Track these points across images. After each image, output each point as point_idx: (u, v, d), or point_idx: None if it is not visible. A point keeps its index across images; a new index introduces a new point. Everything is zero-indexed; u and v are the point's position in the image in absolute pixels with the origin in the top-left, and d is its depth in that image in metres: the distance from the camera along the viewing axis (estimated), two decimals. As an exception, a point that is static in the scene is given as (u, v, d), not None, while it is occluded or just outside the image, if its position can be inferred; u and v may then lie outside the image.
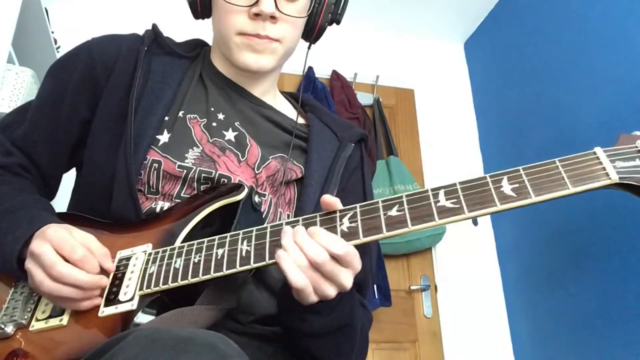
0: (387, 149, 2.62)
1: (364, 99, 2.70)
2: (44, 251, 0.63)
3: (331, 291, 0.61)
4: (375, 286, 2.21)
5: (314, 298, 0.61)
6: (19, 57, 1.75)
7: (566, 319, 2.12)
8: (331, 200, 0.64)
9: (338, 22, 0.92)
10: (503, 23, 2.74)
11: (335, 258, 0.59)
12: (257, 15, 0.80)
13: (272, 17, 0.80)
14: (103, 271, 0.67)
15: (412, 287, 2.47)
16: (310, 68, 2.56)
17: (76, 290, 0.64)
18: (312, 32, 0.91)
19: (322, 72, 2.64)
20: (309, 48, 0.96)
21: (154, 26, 0.90)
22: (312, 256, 0.58)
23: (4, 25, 1.44)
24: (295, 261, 0.59)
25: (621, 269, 1.87)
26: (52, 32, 1.93)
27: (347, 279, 0.61)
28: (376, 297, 2.20)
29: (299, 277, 0.58)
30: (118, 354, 0.47)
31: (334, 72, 2.66)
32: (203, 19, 0.91)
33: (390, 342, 2.36)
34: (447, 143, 2.80)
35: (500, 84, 2.74)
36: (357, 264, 0.61)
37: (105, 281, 0.67)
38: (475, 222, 2.65)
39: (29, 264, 0.65)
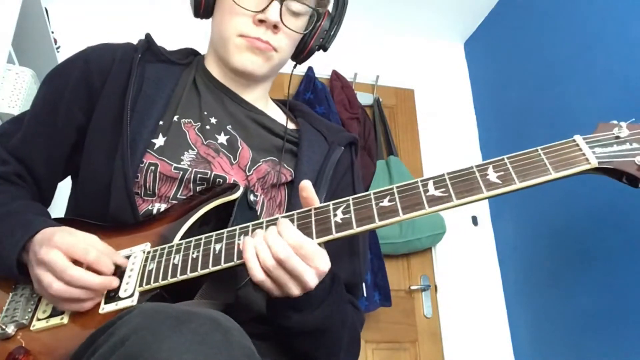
0: (387, 149, 2.62)
1: (364, 99, 2.70)
2: (54, 258, 0.64)
3: (294, 290, 0.63)
4: (375, 286, 2.21)
5: (276, 293, 0.63)
6: (19, 57, 1.75)
7: (566, 319, 2.12)
8: (309, 193, 0.66)
9: (325, 49, 0.97)
10: (503, 23, 2.74)
11: (298, 254, 0.61)
12: (261, 21, 0.84)
13: (275, 27, 0.85)
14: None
15: (412, 287, 2.47)
16: (310, 68, 2.57)
17: (86, 291, 0.65)
18: (301, 54, 0.96)
19: (322, 72, 2.65)
20: (294, 67, 1.00)
21: (147, 35, 0.92)
22: (275, 251, 0.61)
23: (4, 25, 1.45)
24: (260, 254, 0.61)
25: (621, 269, 1.87)
26: (52, 32, 1.94)
27: (310, 278, 0.63)
28: (376, 297, 2.20)
29: (258, 271, 0.61)
30: (122, 325, 0.49)
31: (334, 72, 2.67)
32: (202, 18, 0.94)
33: (390, 342, 2.36)
34: (447, 143, 2.80)
35: (500, 84, 2.74)
36: (322, 264, 0.63)
37: (117, 282, 0.67)
38: (475, 223, 2.65)
39: (38, 271, 0.66)
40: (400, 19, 2.90)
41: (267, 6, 0.83)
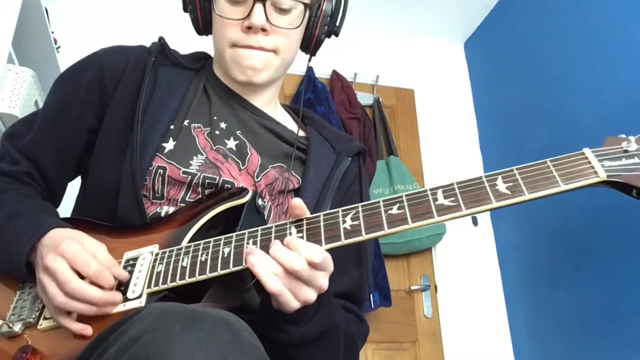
0: (387, 149, 2.62)
1: (364, 99, 2.70)
2: (58, 267, 0.64)
3: (312, 295, 0.63)
4: (375, 286, 2.21)
5: (295, 304, 0.62)
6: (19, 57, 1.74)
7: (566, 319, 2.12)
8: (300, 207, 0.65)
9: (336, 34, 0.94)
10: (503, 23, 2.75)
11: (312, 265, 0.61)
12: (249, 28, 0.83)
13: (264, 30, 0.83)
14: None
15: (412, 287, 2.47)
16: (310, 68, 2.56)
17: (88, 306, 0.64)
18: (309, 44, 0.93)
19: (322, 72, 2.65)
20: (309, 60, 0.98)
21: (161, 39, 0.92)
22: (288, 263, 0.60)
23: (4, 25, 1.44)
24: (269, 268, 0.60)
25: (621, 269, 1.88)
26: (52, 32, 1.93)
27: (324, 281, 0.63)
28: (376, 297, 2.20)
29: (274, 282, 0.60)
30: (133, 325, 0.49)
31: (334, 72, 2.67)
32: (206, 35, 0.94)
33: (390, 342, 2.36)
34: (447, 143, 2.80)
35: (500, 84, 2.74)
36: (332, 265, 0.64)
37: (120, 298, 0.66)
38: (475, 223, 2.65)
39: (43, 277, 0.65)
40: (400, 19, 2.90)
41: (251, 11, 0.81)
